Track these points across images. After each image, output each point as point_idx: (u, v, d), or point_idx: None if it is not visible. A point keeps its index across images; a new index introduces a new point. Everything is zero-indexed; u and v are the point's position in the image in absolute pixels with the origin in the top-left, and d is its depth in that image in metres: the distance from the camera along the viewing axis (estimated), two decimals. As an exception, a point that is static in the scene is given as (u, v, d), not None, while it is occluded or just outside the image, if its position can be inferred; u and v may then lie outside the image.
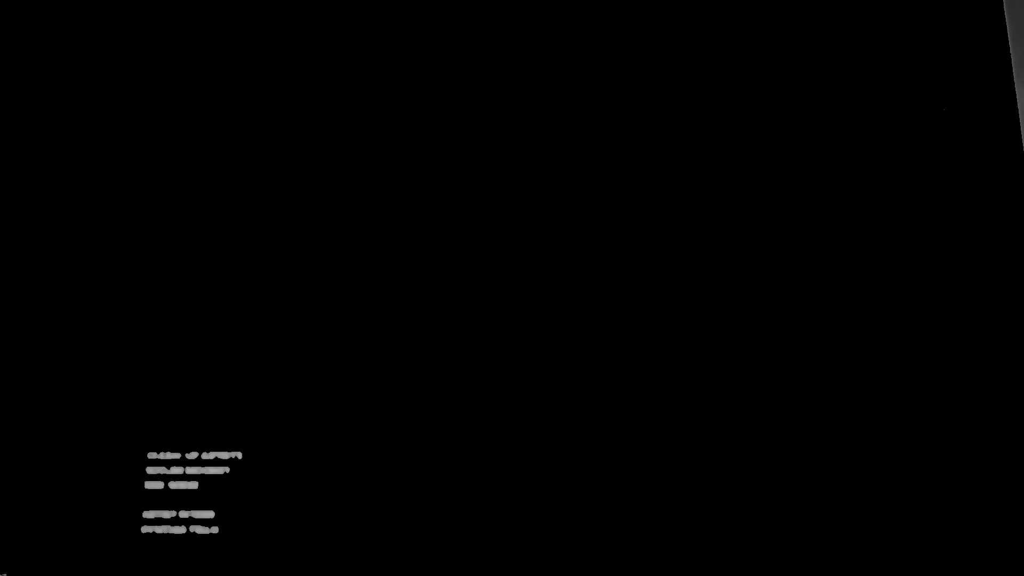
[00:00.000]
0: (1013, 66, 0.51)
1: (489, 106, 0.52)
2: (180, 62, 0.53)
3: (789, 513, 0.46)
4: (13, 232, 0.50)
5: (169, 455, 0.47)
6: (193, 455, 0.47)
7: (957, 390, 0.47)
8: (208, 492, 0.46)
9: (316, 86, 0.52)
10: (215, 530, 0.46)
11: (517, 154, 0.51)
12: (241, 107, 0.52)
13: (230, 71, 0.52)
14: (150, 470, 0.47)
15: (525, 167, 0.51)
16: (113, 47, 0.53)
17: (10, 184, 0.51)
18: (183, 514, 0.46)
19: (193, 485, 0.46)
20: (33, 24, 0.53)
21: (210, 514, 0.46)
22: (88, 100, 0.52)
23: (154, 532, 0.46)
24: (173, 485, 0.46)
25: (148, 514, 0.46)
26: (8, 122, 0.52)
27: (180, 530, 0.46)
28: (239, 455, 0.47)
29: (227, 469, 0.47)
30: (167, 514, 0.46)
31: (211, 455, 0.47)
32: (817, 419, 0.47)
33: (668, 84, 0.52)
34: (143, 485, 0.47)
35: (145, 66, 0.53)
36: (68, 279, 0.49)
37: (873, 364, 0.48)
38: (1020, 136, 0.50)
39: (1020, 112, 0.50)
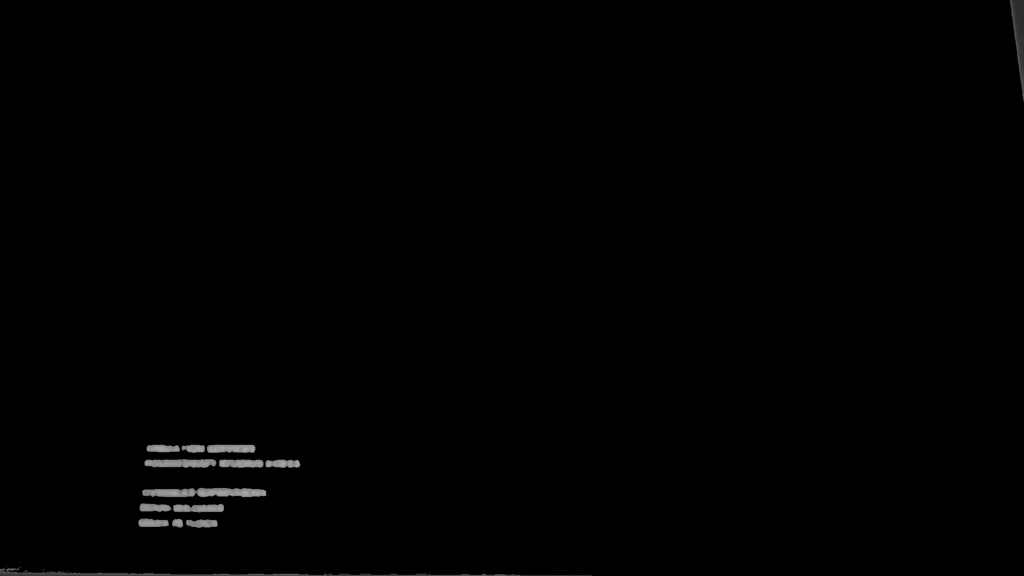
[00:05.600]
0: (1018, 60, 0.51)
1: (489, 106, 0.52)
2: (180, 62, 0.53)
3: (786, 512, 0.46)
4: (13, 230, 0.50)
5: (169, 448, 0.47)
6: (195, 448, 0.47)
7: (960, 389, 0.47)
8: (209, 484, 0.46)
9: (314, 86, 0.52)
10: (214, 523, 0.46)
11: (518, 154, 0.51)
12: (240, 106, 0.52)
13: (229, 71, 0.52)
14: (149, 463, 0.47)
15: (526, 166, 0.51)
16: (113, 47, 0.53)
17: (10, 183, 0.51)
18: (182, 507, 0.46)
19: (194, 477, 0.46)
20: (34, 25, 0.53)
21: (212, 508, 0.46)
22: (87, 100, 0.52)
23: (152, 526, 0.46)
24: (173, 477, 0.46)
25: (146, 507, 0.46)
26: (8, 122, 0.52)
27: (179, 523, 0.46)
28: (236, 449, 0.47)
29: (219, 463, 0.47)
30: (165, 507, 0.46)
31: (212, 448, 0.47)
32: (817, 418, 0.47)
33: (674, 85, 0.52)
34: (142, 478, 0.47)
35: (145, 66, 0.53)
36: (68, 271, 0.49)
37: (875, 362, 0.47)
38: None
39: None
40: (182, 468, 0.47)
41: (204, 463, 0.47)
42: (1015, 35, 0.51)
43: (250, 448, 0.47)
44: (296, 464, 0.46)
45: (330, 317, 0.48)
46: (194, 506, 0.46)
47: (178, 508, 0.46)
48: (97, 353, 0.48)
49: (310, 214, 0.50)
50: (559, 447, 0.47)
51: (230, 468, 0.47)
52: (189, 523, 0.46)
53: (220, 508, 0.46)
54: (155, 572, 0.45)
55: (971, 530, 0.45)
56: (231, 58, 0.53)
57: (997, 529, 0.45)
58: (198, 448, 0.47)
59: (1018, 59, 0.51)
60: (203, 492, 0.46)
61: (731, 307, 0.48)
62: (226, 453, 0.47)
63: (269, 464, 0.47)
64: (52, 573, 0.45)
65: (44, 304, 0.49)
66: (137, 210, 0.50)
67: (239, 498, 0.46)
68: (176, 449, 0.47)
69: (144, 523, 0.46)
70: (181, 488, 0.46)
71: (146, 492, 0.46)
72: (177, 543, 0.46)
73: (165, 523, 0.46)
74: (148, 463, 0.47)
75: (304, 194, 0.50)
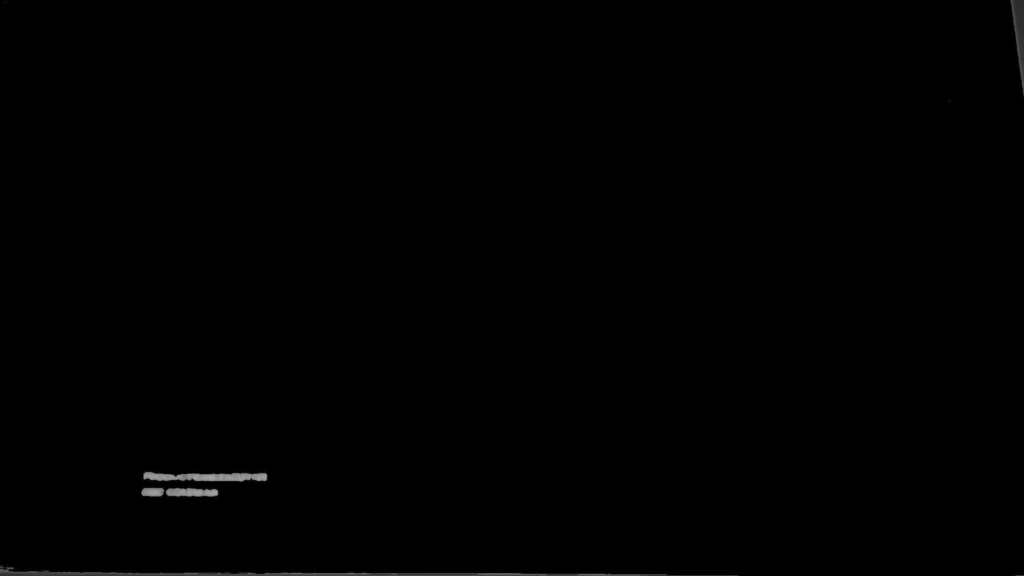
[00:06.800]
0: (1019, 60, 0.51)
1: (488, 107, 0.52)
2: (180, 63, 0.52)
3: (784, 509, 0.46)
4: (11, 247, 0.50)
5: (168, 446, 0.47)
6: (195, 447, 0.47)
7: (960, 388, 0.47)
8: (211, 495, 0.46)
9: (314, 87, 0.52)
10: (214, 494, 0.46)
11: (516, 154, 0.51)
12: (239, 111, 0.52)
13: (230, 72, 0.52)
14: (147, 492, 0.47)
15: (524, 167, 0.51)
16: (113, 48, 0.53)
17: (5, 203, 0.50)
18: (181, 505, 0.46)
19: (190, 497, 0.46)
20: (34, 25, 0.53)
21: (211, 506, 0.46)
22: (86, 101, 0.52)
23: (150, 524, 0.46)
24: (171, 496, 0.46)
25: (145, 505, 0.46)
26: (8, 123, 0.51)
27: (178, 520, 0.46)
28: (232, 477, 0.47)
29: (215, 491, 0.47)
30: (164, 505, 0.46)
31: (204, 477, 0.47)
32: (817, 417, 0.47)
33: (674, 85, 0.52)
34: (141, 476, 0.47)
35: (144, 67, 0.52)
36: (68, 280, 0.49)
37: (875, 361, 0.48)
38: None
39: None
40: (181, 467, 0.46)
41: (203, 461, 0.47)
42: (1015, 35, 0.51)
43: (250, 447, 0.47)
44: (296, 464, 0.46)
45: (330, 317, 0.48)
46: (194, 504, 0.46)
47: (177, 506, 0.46)
48: (97, 354, 0.48)
49: (311, 214, 0.50)
50: (558, 446, 0.47)
51: (229, 467, 0.46)
52: (189, 521, 0.46)
53: (219, 507, 0.46)
54: (154, 571, 0.45)
55: (970, 528, 0.45)
56: (230, 60, 0.52)
57: (996, 528, 0.45)
58: (198, 447, 0.47)
59: (1018, 59, 0.51)
60: (202, 491, 0.46)
61: (732, 307, 0.48)
62: (225, 452, 0.47)
63: (269, 463, 0.46)
64: (52, 573, 0.45)
65: (44, 309, 0.49)
66: (134, 213, 0.50)
67: (239, 497, 0.46)
68: (175, 448, 0.47)
69: (143, 520, 0.46)
70: (180, 486, 0.46)
71: (145, 493, 0.46)
72: (176, 541, 0.45)
73: (164, 521, 0.46)
74: (147, 459, 0.47)
75: (303, 196, 0.50)
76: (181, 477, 0.46)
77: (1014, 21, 0.52)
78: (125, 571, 0.45)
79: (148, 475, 0.46)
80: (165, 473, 0.46)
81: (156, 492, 0.46)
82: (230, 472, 0.46)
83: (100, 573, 0.45)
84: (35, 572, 0.45)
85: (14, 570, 0.45)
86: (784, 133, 0.51)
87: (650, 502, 0.46)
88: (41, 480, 0.46)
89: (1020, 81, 0.51)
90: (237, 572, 0.45)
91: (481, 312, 0.48)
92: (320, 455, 0.47)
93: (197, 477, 0.46)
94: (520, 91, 0.52)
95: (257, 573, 0.45)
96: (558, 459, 0.46)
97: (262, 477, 0.46)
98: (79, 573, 0.45)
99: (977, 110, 0.51)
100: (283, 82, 0.52)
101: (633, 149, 0.51)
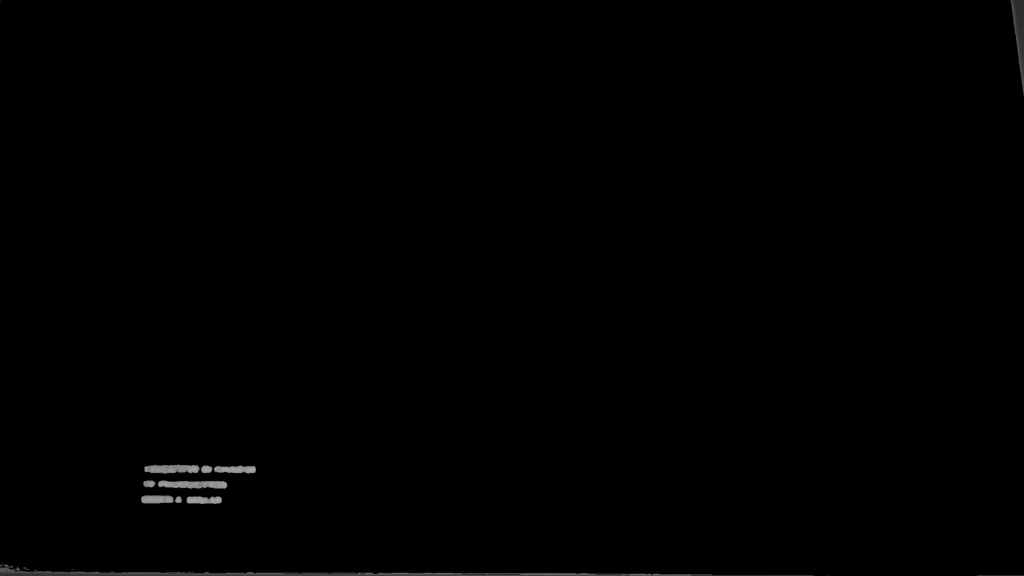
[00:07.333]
0: (1019, 60, 0.51)
1: (489, 107, 0.52)
2: (180, 62, 0.52)
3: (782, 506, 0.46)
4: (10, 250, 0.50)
5: (169, 446, 0.47)
6: (195, 447, 0.47)
7: (960, 388, 0.47)
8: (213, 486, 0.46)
9: (313, 87, 0.52)
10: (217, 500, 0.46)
11: (516, 154, 0.51)
12: (237, 111, 0.52)
13: (230, 72, 0.52)
14: (148, 461, 0.47)
15: (525, 166, 0.51)
16: (114, 48, 0.53)
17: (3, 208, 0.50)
18: (181, 505, 0.46)
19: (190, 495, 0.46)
20: (34, 24, 0.53)
21: (211, 505, 0.46)
22: (86, 100, 0.52)
23: (150, 523, 0.46)
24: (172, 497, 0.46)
25: (145, 501, 0.46)
26: (8, 123, 0.51)
27: (178, 520, 0.46)
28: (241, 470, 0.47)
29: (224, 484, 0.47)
30: (164, 505, 0.46)
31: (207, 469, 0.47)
32: (817, 418, 0.47)
33: (674, 85, 0.52)
34: (141, 475, 0.47)
35: (144, 67, 0.52)
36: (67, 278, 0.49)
37: (875, 362, 0.48)
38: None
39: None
40: (181, 465, 0.47)
41: (203, 460, 0.47)
42: (1015, 35, 0.51)
43: (250, 447, 0.47)
44: (296, 463, 0.46)
45: (330, 316, 0.48)
46: (194, 504, 0.46)
47: (177, 506, 0.46)
48: (96, 353, 0.48)
49: (312, 213, 0.50)
50: (558, 446, 0.47)
51: (230, 467, 0.46)
52: (188, 521, 0.46)
53: (219, 507, 0.46)
54: (154, 571, 0.45)
55: (970, 528, 0.45)
56: (231, 59, 0.52)
57: (995, 527, 0.45)
58: (198, 446, 0.47)
59: (1018, 59, 0.51)
60: (203, 491, 0.46)
61: (731, 306, 0.48)
62: (226, 452, 0.47)
63: (269, 463, 0.47)
64: (52, 573, 0.45)
65: (45, 309, 0.49)
66: (134, 212, 0.50)
67: (239, 496, 0.46)
68: (176, 447, 0.47)
69: (142, 520, 0.46)
70: (180, 486, 0.46)
71: (146, 499, 0.46)
72: (175, 541, 0.46)
73: (163, 521, 0.46)
74: (147, 459, 0.47)
75: (307, 197, 0.50)
76: (180, 477, 0.46)
77: (1014, 21, 0.52)
78: (125, 571, 0.45)
79: (147, 475, 0.46)
80: (165, 473, 0.46)
81: (156, 492, 0.46)
82: (230, 472, 0.46)
83: (100, 573, 0.45)
84: (35, 572, 0.45)
85: (13, 569, 0.45)
86: (784, 133, 0.51)
87: (649, 502, 0.46)
88: (40, 479, 0.46)
89: (1020, 81, 0.51)
90: (237, 572, 0.45)
91: (481, 312, 0.48)
92: (320, 455, 0.47)
93: (197, 477, 0.46)
94: (517, 92, 0.52)
95: (257, 573, 0.45)
96: (558, 459, 0.46)
97: (262, 476, 0.46)
98: (79, 573, 0.45)
99: (977, 110, 0.51)
100: (283, 82, 0.52)
101: (632, 149, 0.51)
